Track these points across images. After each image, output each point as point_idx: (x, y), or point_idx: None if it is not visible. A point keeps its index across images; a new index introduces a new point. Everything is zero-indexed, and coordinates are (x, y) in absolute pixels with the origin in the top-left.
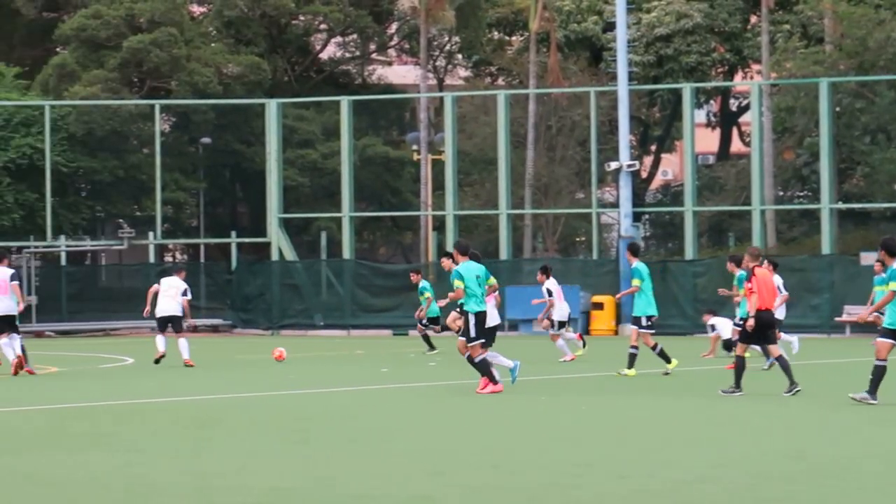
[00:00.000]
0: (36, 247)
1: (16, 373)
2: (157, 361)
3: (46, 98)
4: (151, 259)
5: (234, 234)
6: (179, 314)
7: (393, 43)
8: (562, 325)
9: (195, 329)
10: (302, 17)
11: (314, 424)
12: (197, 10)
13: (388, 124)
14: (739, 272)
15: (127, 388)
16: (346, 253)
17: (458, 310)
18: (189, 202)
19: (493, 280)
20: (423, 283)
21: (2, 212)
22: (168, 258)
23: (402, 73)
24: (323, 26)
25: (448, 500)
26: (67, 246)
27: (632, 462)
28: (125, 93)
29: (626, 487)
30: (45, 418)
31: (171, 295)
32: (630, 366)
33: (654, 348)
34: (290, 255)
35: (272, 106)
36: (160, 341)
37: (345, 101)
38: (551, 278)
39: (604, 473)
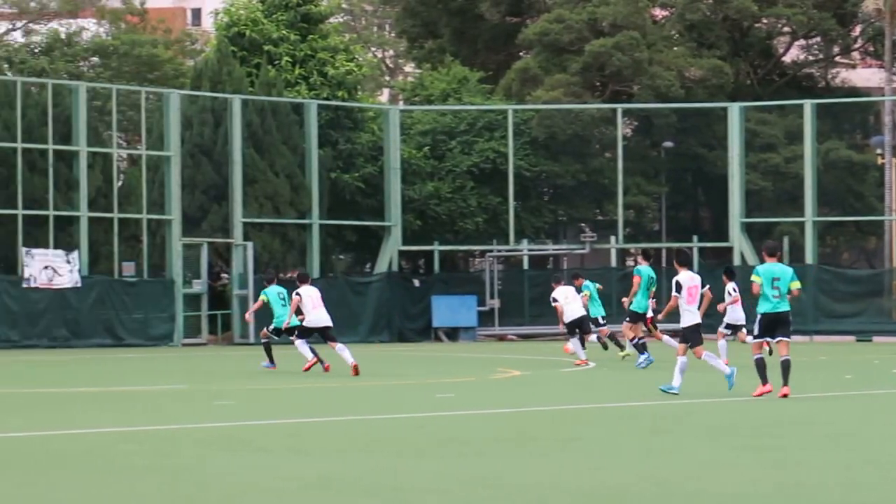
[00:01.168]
0: (499, 250)
1: (356, 373)
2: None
3: (509, 102)
4: (613, 263)
5: (695, 238)
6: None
7: (857, 45)
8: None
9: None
10: (765, 20)
11: (773, 430)
12: (659, 13)
13: (851, 128)
14: None
15: (588, 391)
16: (809, 258)
17: (628, 319)
18: (651, 206)
19: (796, 283)
20: (586, 283)
21: (465, 215)
22: (629, 262)
23: (865, 76)
24: (786, 29)
25: None
26: (530, 250)
27: None
28: (587, 97)
29: None
30: (506, 421)
31: (572, 298)
32: None
33: None
34: (752, 259)
35: (734, 110)
36: (576, 345)
37: (808, 105)
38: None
39: None
